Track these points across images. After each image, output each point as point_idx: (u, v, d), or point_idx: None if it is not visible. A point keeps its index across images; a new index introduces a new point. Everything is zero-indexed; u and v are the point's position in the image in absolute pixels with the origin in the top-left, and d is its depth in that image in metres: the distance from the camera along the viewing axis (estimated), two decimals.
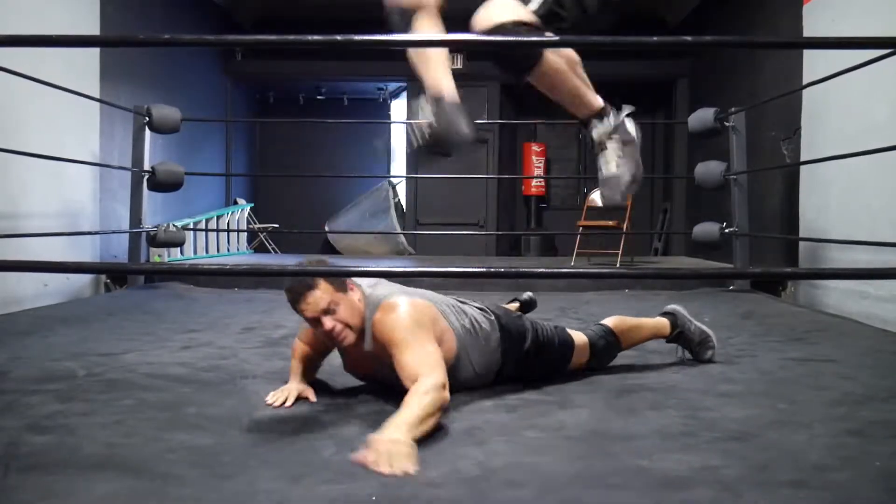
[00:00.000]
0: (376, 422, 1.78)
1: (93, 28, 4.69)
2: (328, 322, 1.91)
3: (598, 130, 1.86)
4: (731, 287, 4.65)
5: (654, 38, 1.60)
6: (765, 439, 1.66)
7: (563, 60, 1.80)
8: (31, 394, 2.02)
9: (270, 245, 8.65)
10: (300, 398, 2.01)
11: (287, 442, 1.64)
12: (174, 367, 2.42)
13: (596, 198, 5.99)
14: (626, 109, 1.90)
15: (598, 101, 1.88)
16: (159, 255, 5.55)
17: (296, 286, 1.89)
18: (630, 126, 1.87)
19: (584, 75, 1.86)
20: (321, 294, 1.89)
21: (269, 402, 1.97)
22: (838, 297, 3.82)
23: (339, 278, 1.96)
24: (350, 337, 1.94)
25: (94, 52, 4.75)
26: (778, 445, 1.62)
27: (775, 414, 1.88)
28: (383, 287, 2.06)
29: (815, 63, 4.16)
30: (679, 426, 1.76)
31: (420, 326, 1.94)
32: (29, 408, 1.88)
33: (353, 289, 1.98)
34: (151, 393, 2.06)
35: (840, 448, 1.60)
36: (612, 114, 1.87)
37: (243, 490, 1.35)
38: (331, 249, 8.54)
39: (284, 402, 1.96)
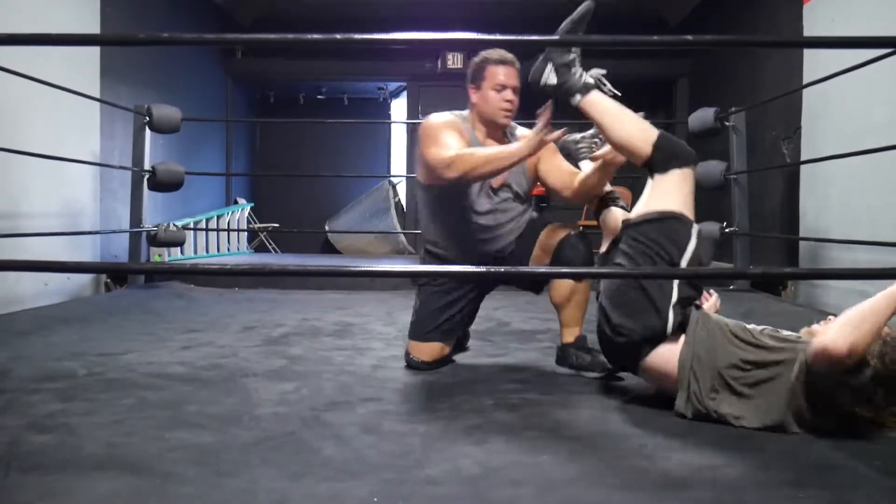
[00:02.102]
0: (377, 421, 1.79)
1: (93, 27, 4.68)
2: (510, 94, 2.39)
3: None
4: (731, 287, 4.65)
5: (655, 38, 1.61)
6: (765, 439, 1.66)
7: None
8: (32, 393, 2.02)
9: (271, 245, 8.65)
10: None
11: (287, 440, 1.64)
12: (174, 366, 2.42)
13: None
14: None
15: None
16: (159, 255, 5.55)
17: (510, 56, 2.39)
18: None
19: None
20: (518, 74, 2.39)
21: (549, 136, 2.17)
22: (838, 296, 3.82)
23: None
24: (512, 118, 2.45)
25: (94, 52, 4.75)
26: (778, 445, 1.62)
27: None
28: None
29: (815, 63, 4.16)
30: (679, 426, 1.77)
31: None
32: (29, 407, 1.88)
33: None
34: (152, 392, 2.07)
35: (840, 448, 1.60)
36: None
37: (244, 488, 1.35)
38: (331, 249, 8.54)
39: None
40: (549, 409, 1.92)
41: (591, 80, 2.07)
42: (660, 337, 1.84)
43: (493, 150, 2.25)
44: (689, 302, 1.88)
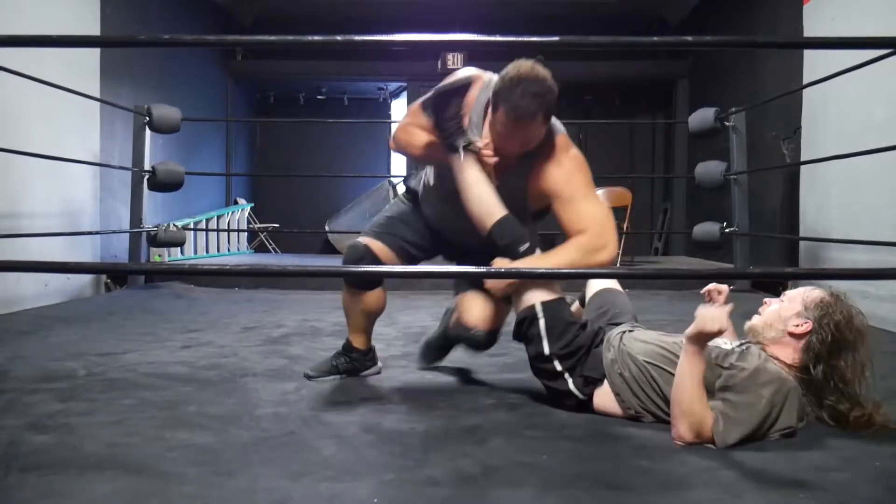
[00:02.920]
0: (377, 421, 1.79)
1: (93, 28, 4.69)
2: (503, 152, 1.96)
3: None
4: (732, 287, 4.63)
5: (655, 38, 1.61)
6: (764, 439, 1.66)
7: None
8: (32, 393, 2.02)
9: (271, 245, 8.65)
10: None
11: (287, 440, 1.64)
12: (174, 366, 2.43)
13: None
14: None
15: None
16: (159, 255, 5.56)
17: (524, 110, 1.86)
18: None
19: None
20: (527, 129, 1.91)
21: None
22: None
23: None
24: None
25: (94, 52, 4.75)
26: (778, 445, 1.62)
27: None
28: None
29: (815, 63, 4.16)
30: None
31: (588, 179, 2.02)
32: (29, 407, 1.88)
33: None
34: (152, 392, 2.07)
35: (840, 448, 1.61)
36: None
37: (244, 488, 1.35)
38: (331, 249, 8.55)
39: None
40: (549, 409, 1.92)
41: (464, 143, 1.98)
42: (573, 395, 1.87)
43: (422, 140, 2.07)
44: (574, 363, 1.88)
